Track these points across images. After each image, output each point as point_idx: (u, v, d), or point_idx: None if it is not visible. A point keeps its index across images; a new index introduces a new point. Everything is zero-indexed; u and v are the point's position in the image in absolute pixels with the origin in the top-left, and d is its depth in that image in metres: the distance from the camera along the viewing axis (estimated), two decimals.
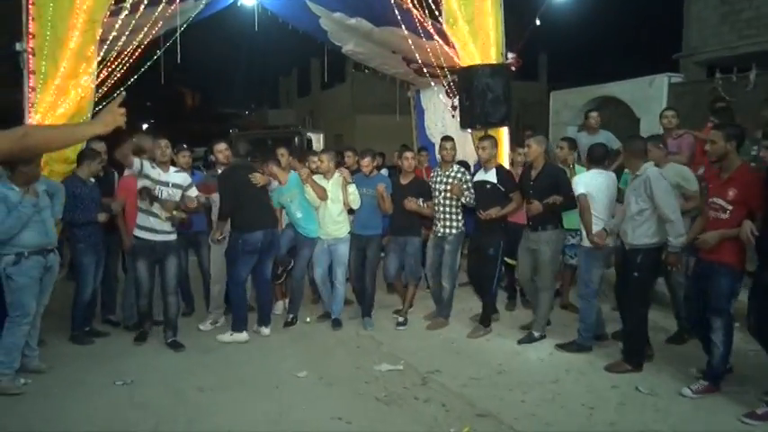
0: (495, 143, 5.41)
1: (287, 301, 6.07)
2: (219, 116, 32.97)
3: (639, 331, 4.33)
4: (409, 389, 4.09)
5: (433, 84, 8.33)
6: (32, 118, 5.32)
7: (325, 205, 5.44)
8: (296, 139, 14.23)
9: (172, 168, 4.99)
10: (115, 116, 2.04)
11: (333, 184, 5.47)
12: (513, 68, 6.99)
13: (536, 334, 4.96)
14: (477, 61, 6.75)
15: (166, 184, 4.84)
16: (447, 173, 5.38)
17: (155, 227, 4.80)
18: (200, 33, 6.81)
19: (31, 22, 5.31)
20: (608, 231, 4.51)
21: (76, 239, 4.94)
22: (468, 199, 5.17)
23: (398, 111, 10.59)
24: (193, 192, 4.99)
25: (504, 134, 7.02)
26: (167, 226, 4.84)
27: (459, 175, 5.32)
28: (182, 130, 21.52)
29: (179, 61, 6.50)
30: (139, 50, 6.35)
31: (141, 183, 4.77)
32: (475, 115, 6.34)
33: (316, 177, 5.70)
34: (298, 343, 5.11)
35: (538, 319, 5.02)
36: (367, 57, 8.68)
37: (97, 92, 5.72)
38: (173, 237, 4.94)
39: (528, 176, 5.06)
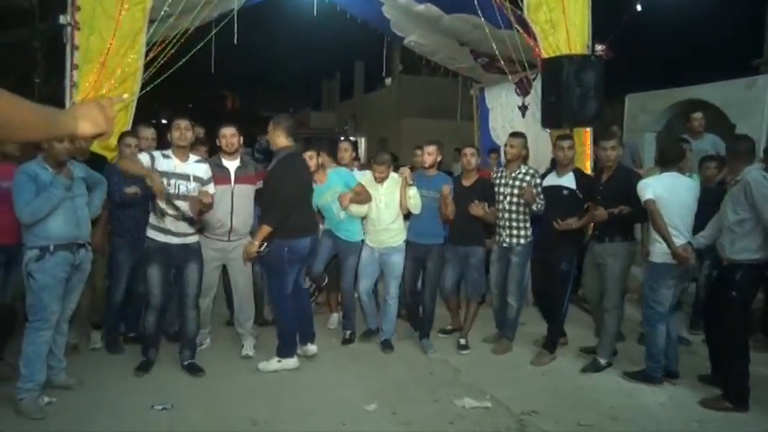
0: (574, 143, 4.70)
1: (341, 314, 5.39)
2: (260, 119, 32.85)
3: (742, 360, 3.70)
4: None
5: (503, 80, 7.60)
6: (74, 97, 4.80)
7: (377, 210, 4.71)
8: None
9: (192, 157, 4.06)
10: (108, 119, 1.36)
11: (388, 187, 4.75)
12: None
13: (602, 361, 4.34)
14: (560, 53, 5.99)
15: (185, 176, 3.94)
16: (513, 175, 4.67)
17: (169, 228, 3.92)
18: (243, 35, 6.24)
19: None
20: (693, 246, 3.95)
21: (114, 232, 4.34)
22: (539, 206, 4.49)
23: (459, 112, 9.94)
24: (211, 188, 4.07)
25: (586, 134, 6.25)
26: (185, 226, 3.98)
27: (528, 178, 4.60)
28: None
29: (234, 42, 5.90)
30: (189, 33, 5.80)
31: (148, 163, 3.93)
32: (561, 113, 5.57)
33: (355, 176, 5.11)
34: (359, 366, 4.40)
35: (603, 345, 4.39)
36: (431, 49, 7.99)
37: (145, 72, 5.18)
38: (193, 239, 4.07)
39: (598, 180, 4.47)
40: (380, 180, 4.71)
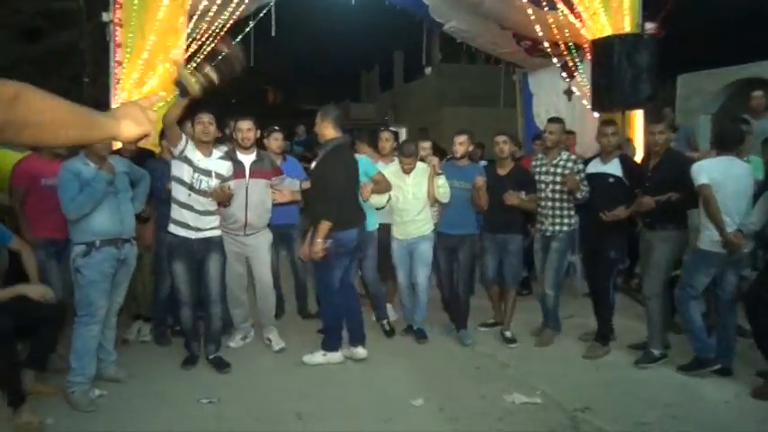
0: (618, 129, 4.52)
1: (387, 305, 5.32)
2: (301, 112, 33.10)
3: None
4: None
5: (547, 64, 7.35)
6: (118, 95, 4.87)
7: (404, 200, 4.58)
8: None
9: (215, 152, 3.97)
10: (150, 119, 1.30)
11: (415, 177, 4.60)
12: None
13: (655, 352, 4.14)
14: (608, 33, 5.73)
15: (207, 172, 3.85)
16: (554, 161, 4.51)
17: (189, 222, 3.84)
18: (281, 28, 6.20)
19: None
20: (744, 233, 3.75)
21: (159, 227, 4.38)
22: (584, 193, 4.34)
23: (502, 99, 9.68)
24: (231, 185, 3.97)
25: (636, 117, 5.99)
26: (207, 220, 3.89)
27: (570, 164, 4.44)
28: (264, 127, 21.42)
29: (272, 34, 5.88)
30: (228, 25, 5.81)
31: (178, 169, 3.83)
32: (612, 95, 5.34)
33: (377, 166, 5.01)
34: (404, 360, 4.31)
35: (653, 334, 4.18)
36: (471, 35, 7.80)
37: (185, 67, 5.20)
38: (215, 232, 3.98)
39: (645, 166, 4.30)
40: (408, 171, 4.59)
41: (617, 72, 5.24)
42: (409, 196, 4.57)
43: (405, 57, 25.37)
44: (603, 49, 5.45)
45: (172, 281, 4.02)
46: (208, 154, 3.87)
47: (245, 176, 4.20)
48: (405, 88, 24.85)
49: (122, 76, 4.91)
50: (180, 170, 3.82)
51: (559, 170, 4.46)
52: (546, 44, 6.77)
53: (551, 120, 4.73)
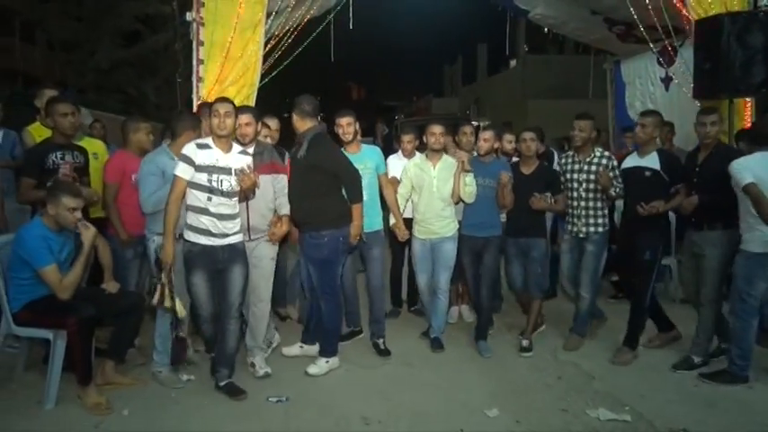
0: (720, 119, 4.07)
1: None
2: (384, 108, 33.35)
3: None
4: None
5: (642, 50, 6.81)
6: (200, 91, 4.98)
7: (428, 195, 4.29)
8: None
9: (235, 147, 3.49)
10: None
11: (441, 170, 4.30)
12: None
13: (696, 359, 3.97)
14: (714, 12, 5.16)
15: (227, 170, 3.38)
16: (588, 159, 4.27)
17: (209, 228, 3.39)
18: (361, 24, 6.11)
19: None
20: None
21: None
22: (617, 190, 4.15)
23: (591, 89, 9.14)
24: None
25: (746, 105, 5.38)
26: (228, 225, 3.42)
27: (604, 161, 4.22)
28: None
29: (350, 27, 5.81)
30: (305, 21, 5.80)
31: (185, 171, 3.33)
32: (719, 81, 4.79)
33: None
34: (479, 366, 4.09)
35: (698, 341, 4.01)
36: (558, 21, 7.39)
37: (263, 63, 5.25)
38: (237, 238, 3.50)
39: (693, 160, 4.07)
40: (435, 161, 4.30)
41: (725, 55, 4.68)
42: (433, 189, 4.29)
43: (488, 49, 24.86)
44: (709, 30, 4.89)
45: (190, 294, 3.55)
46: (227, 150, 3.41)
47: None
48: (488, 81, 24.36)
49: (204, 74, 5.01)
50: (188, 174, 3.34)
51: (593, 167, 4.23)
52: (641, 28, 6.25)
53: (579, 116, 4.37)
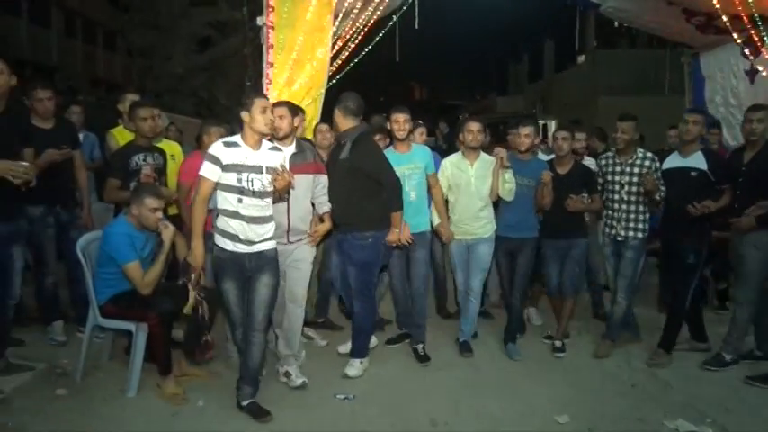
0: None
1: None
2: (446, 107, 33.15)
3: None
4: None
5: (723, 41, 6.43)
6: (270, 94, 5.11)
7: (467, 193, 4.16)
8: None
9: (265, 144, 3.25)
10: None
11: (478, 168, 4.17)
12: None
13: (727, 357, 3.95)
14: None
15: (258, 169, 3.16)
16: (630, 161, 4.14)
17: (238, 233, 3.16)
18: (425, 23, 6.08)
19: None
20: None
21: None
22: (662, 194, 4.04)
23: (668, 84, 8.73)
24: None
25: None
26: (260, 230, 3.19)
27: (648, 163, 4.10)
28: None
29: (416, 26, 5.81)
30: (372, 22, 5.84)
31: (211, 172, 3.11)
32: None
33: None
34: (550, 370, 3.99)
35: (730, 339, 3.96)
36: (631, 14, 7.07)
37: (331, 65, 5.34)
38: (268, 245, 3.26)
39: (739, 158, 3.96)
40: (472, 159, 4.17)
41: None
42: (472, 188, 4.16)
43: (555, 46, 24.20)
44: None
45: (222, 302, 3.40)
46: (257, 147, 3.18)
47: None
48: (555, 78, 23.70)
49: (273, 76, 5.15)
50: (214, 175, 3.12)
51: (636, 170, 4.10)
52: (724, 18, 5.90)
53: (621, 118, 4.16)
